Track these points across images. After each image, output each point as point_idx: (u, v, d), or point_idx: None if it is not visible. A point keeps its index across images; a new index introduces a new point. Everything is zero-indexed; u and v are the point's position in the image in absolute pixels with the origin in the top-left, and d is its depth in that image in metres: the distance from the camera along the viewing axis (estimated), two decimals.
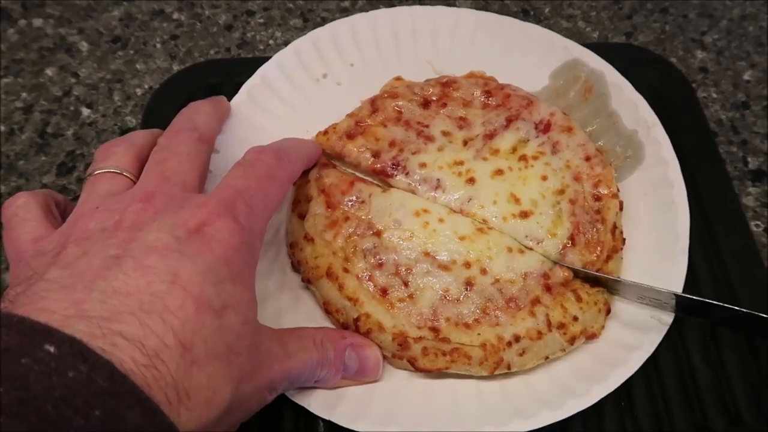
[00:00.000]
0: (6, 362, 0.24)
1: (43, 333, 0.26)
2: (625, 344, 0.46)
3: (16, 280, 0.32)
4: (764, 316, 0.42)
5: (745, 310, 0.42)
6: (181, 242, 0.32)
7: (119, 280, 0.30)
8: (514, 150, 0.51)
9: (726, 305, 0.43)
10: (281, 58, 0.57)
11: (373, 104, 0.53)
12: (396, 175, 0.49)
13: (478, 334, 0.44)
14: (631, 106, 0.54)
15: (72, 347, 0.25)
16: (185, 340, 0.30)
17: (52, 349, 0.25)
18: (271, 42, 0.70)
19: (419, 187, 0.49)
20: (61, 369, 0.24)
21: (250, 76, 0.55)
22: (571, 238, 0.48)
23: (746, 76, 0.68)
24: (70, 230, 0.35)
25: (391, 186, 0.50)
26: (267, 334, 0.39)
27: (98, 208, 0.36)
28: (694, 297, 0.44)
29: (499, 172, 0.49)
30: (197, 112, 0.46)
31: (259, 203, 0.38)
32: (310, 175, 0.51)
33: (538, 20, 0.72)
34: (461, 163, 0.50)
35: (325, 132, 0.52)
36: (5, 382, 0.23)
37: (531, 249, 0.47)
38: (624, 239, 0.50)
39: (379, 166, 0.50)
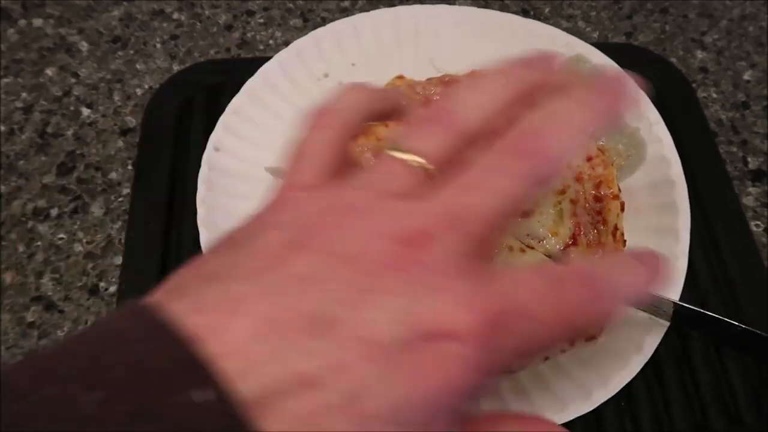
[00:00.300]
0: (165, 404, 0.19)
1: (200, 373, 0.20)
2: (624, 347, 0.45)
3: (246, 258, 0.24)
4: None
5: (744, 326, 0.42)
6: (401, 347, 0.22)
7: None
8: None
9: (729, 320, 0.42)
10: (283, 57, 0.57)
11: None
12: None
13: None
14: None
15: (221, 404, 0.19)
16: None
17: (210, 395, 0.19)
18: (271, 42, 0.70)
19: None
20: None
21: (250, 76, 0.55)
22: (573, 237, 0.48)
23: (746, 76, 0.68)
24: (307, 229, 0.24)
25: None
26: None
27: (355, 215, 0.25)
28: (694, 308, 0.44)
29: None
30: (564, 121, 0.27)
31: (536, 336, 0.24)
32: None
33: (537, 20, 0.72)
34: None
35: None
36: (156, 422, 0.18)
37: (532, 248, 0.47)
38: (625, 241, 0.50)
39: None
